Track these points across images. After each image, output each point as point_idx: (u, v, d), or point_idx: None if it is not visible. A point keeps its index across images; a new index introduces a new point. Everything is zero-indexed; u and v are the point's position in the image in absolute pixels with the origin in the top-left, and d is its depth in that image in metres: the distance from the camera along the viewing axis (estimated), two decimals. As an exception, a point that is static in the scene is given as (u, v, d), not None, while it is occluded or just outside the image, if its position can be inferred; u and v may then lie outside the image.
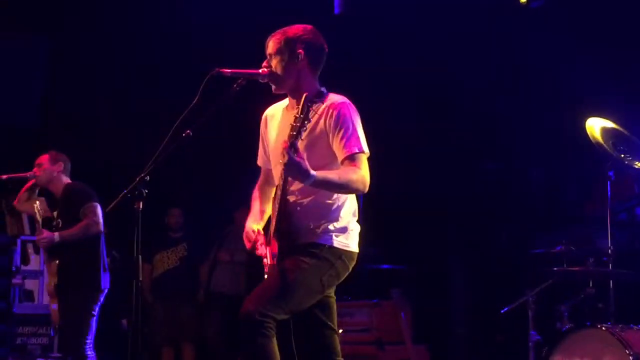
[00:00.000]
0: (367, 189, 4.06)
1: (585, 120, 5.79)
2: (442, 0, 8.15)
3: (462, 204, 8.85)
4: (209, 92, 4.04)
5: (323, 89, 4.22)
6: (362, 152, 4.06)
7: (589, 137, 5.71)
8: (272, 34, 4.23)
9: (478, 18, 8.21)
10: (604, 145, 5.61)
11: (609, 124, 5.72)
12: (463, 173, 8.95)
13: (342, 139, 4.04)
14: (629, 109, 6.32)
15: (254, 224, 4.30)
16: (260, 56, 4.28)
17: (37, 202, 6.50)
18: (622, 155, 5.62)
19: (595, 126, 5.68)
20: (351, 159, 4.03)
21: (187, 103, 4.03)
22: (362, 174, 4.02)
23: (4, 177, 6.56)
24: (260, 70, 4.17)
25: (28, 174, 6.63)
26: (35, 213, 6.45)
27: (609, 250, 5.76)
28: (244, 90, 4.11)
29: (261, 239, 4.23)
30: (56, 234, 6.39)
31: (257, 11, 8.07)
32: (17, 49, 8.92)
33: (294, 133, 3.82)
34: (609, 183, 5.72)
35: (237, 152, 8.87)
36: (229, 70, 4.11)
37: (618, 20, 7.43)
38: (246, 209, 4.50)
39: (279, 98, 4.36)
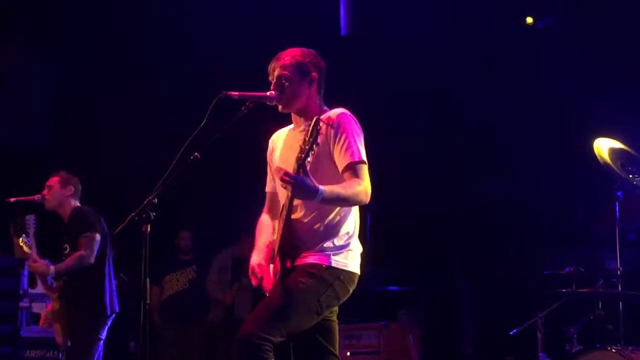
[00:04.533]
0: (369, 200, 4.07)
1: (594, 141, 5.79)
2: (449, 20, 8.18)
3: (470, 225, 8.83)
4: (217, 115, 4.04)
5: (326, 108, 4.26)
6: (363, 161, 4.08)
7: (597, 158, 5.70)
8: (278, 57, 4.25)
9: (485, 38, 8.23)
10: (612, 165, 5.60)
11: (617, 144, 5.72)
12: (471, 194, 8.95)
13: (342, 147, 4.07)
14: (637, 129, 6.31)
15: (259, 259, 4.27)
16: (266, 79, 4.29)
17: (21, 237, 6.46)
18: (631, 176, 5.61)
19: (603, 146, 5.67)
20: (352, 168, 4.05)
21: (194, 125, 4.04)
22: (364, 185, 4.04)
23: (12, 200, 6.56)
24: (268, 93, 4.18)
25: (36, 197, 6.62)
26: (23, 246, 6.43)
27: (618, 272, 5.73)
28: (253, 112, 4.12)
29: (266, 270, 4.21)
30: (52, 267, 6.34)
31: (263, 32, 8.09)
32: (25, 70, 8.95)
33: (302, 155, 3.83)
34: (617, 203, 5.71)
35: (246, 174, 8.89)
36: (237, 93, 4.12)
37: (627, 40, 7.44)
38: (252, 237, 4.48)
39: (287, 119, 4.38)
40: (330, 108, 4.28)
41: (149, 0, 8.47)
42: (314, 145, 3.84)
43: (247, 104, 4.13)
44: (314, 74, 4.24)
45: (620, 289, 5.75)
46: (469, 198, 8.93)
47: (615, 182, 5.70)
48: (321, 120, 3.91)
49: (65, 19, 8.51)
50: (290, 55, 4.24)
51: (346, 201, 4.06)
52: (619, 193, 5.70)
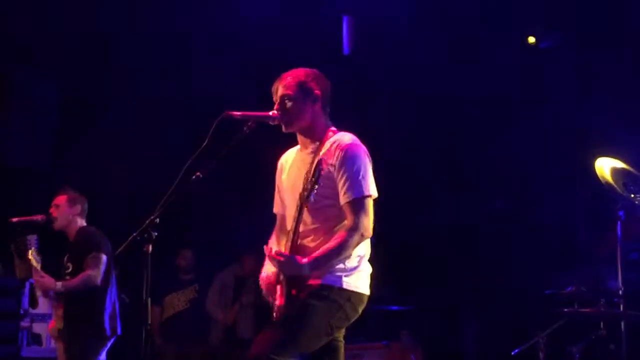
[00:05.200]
0: (370, 234, 4.10)
1: (595, 161, 5.79)
2: (452, 39, 8.20)
3: (472, 245, 8.83)
4: (219, 134, 4.05)
5: (333, 127, 4.27)
6: (364, 196, 4.08)
7: (598, 178, 5.70)
8: (281, 77, 4.27)
9: (488, 57, 8.25)
10: (614, 185, 5.60)
11: (619, 164, 5.72)
12: (474, 213, 8.94)
13: (344, 183, 4.08)
14: (638, 149, 6.32)
15: (268, 270, 4.29)
16: (269, 98, 4.30)
17: (30, 250, 6.45)
18: (633, 195, 5.61)
19: (605, 166, 5.67)
20: (351, 205, 4.07)
21: (197, 144, 4.04)
22: (360, 224, 4.05)
23: (15, 220, 6.56)
24: (270, 113, 4.19)
25: (38, 217, 6.62)
26: (32, 260, 6.43)
27: (620, 291, 5.72)
28: (255, 131, 4.13)
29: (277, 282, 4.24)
30: (59, 283, 6.36)
31: (266, 53, 8.11)
32: (28, 90, 8.97)
33: (306, 194, 3.93)
34: (619, 223, 5.71)
35: (247, 193, 8.89)
36: (239, 113, 4.13)
37: (628, 59, 7.46)
38: (254, 255, 4.52)
39: (289, 138, 4.38)
40: (337, 128, 4.30)
41: (153, 18, 8.48)
42: (316, 187, 3.92)
43: (249, 123, 4.14)
44: (317, 92, 4.24)
45: (622, 308, 5.73)
46: (472, 218, 8.93)
47: (617, 202, 5.70)
48: (323, 160, 3.98)
49: (69, 36, 8.53)
50: (292, 75, 4.25)
51: (341, 255, 4.08)
52: (621, 212, 5.70)
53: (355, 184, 4.06)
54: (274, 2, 8.07)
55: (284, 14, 8.10)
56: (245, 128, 4.13)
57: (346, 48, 8.40)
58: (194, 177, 4.01)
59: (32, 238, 6.48)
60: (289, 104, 4.21)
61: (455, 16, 8.15)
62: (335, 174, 4.10)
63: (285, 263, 3.97)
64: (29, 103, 9.03)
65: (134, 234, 4.00)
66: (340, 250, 4.03)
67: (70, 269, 6.51)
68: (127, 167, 9.06)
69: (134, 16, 8.45)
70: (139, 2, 8.27)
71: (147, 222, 3.99)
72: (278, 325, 4.08)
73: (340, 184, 4.08)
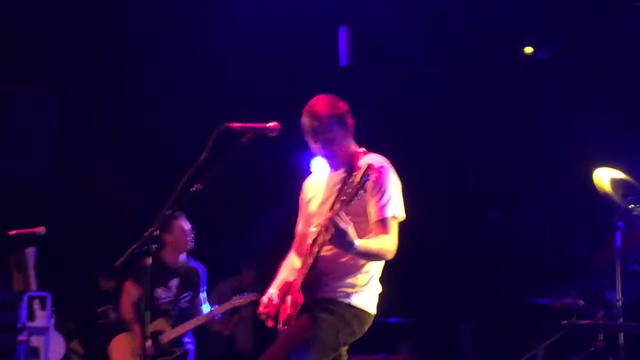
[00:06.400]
0: (393, 257, 4.13)
1: (593, 171, 5.79)
2: (448, 51, 8.20)
3: (471, 257, 8.81)
4: (218, 146, 4.04)
5: (362, 149, 4.31)
6: (395, 217, 4.14)
7: (597, 188, 5.70)
8: (312, 109, 4.30)
9: (484, 68, 8.25)
10: (613, 195, 5.61)
11: (619, 174, 5.73)
12: (471, 225, 8.93)
13: (377, 202, 4.12)
14: (636, 159, 6.32)
15: (274, 292, 4.34)
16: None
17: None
18: (632, 206, 5.61)
19: (604, 177, 5.68)
20: (383, 223, 4.11)
21: (195, 157, 4.03)
22: (393, 242, 4.11)
23: (13, 232, 6.56)
24: (268, 125, 4.19)
25: (36, 230, 6.61)
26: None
27: (619, 303, 5.71)
28: (253, 144, 4.13)
29: (276, 304, 4.27)
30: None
31: (264, 64, 8.11)
32: (27, 105, 8.96)
33: (346, 198, 3.86)
34: (618, 234, 5.70)
35: (245, 206, 8.88)
36: (238, 125, 4.13)
37: (625, 69, 7.47)
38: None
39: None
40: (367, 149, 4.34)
41: (150, 34, 8.49)
42: (360, 192, 3.86)
43: (247, 135, 4.14)
44: (349, 120, 4.33)
45: (621, 320, 5.72)
46: (469, 230, 8.92)
47: (616, 213, 5.70)
48: (371, 166, 3.92)
49: (69, 51, 8.54)
50: (325, 106, 4.29)
51: (375, 257, 4.14)
52: (620, 223, 5.70)
53: (388, 204, 4.12)
54: (272, 12, 8.07)
55: (281, 23, 8.11)
56: (244, 140, 4.13)
57: (343, 59, 8.39)
58: (192, 189, 4.00)
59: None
60: (334, 147, 4.28)
61: (453, 25, 8.16)
62: (367, 195, 4.11)
63: (341, 231, 3.83)
64: (28, 117, 9.02)
65: (133, 247, 3.98)
66: (379, 250, 4.05)
67: (189, 297, 7.07)
68: (126, 180, 9.06)
69: (133, 31, 8.48)
70: (135, 11, 8.29)
71: (146, 234, 3.98)
72: (287, 338, 4.11)
73: (372, 203, 4.12)
